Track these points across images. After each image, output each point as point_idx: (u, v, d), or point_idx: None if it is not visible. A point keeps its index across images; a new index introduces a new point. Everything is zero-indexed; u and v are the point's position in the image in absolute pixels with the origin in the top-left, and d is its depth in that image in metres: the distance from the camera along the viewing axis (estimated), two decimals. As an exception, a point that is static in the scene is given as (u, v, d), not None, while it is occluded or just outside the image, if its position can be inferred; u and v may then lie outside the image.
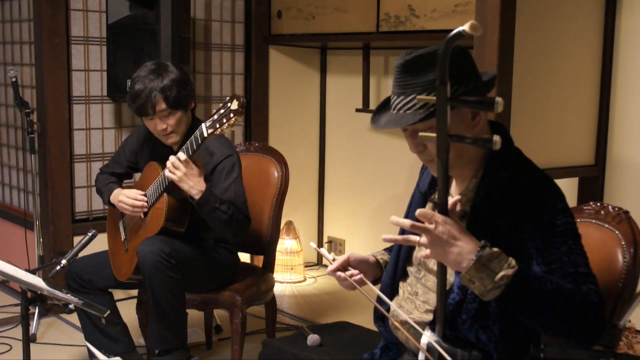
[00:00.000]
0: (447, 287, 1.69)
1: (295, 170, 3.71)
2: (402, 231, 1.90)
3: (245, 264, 3.36)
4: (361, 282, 1.86)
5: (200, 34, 4.52)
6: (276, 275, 4.03)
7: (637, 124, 3.37)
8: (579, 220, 2.02)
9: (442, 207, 1.53)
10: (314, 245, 2.00)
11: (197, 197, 2.73)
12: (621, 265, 1.87)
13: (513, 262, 1.50)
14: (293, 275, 4.69)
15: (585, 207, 2.04)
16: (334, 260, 1.90)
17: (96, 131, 4.18)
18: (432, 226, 1.51)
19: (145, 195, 2.92)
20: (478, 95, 1.67)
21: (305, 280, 4.73)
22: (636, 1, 3.32)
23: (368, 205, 4.76)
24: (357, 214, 4.87)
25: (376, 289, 1.85)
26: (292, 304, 4.29)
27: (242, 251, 3.30)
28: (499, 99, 1.39)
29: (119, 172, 3.15)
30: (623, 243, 1.89)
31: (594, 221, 1.99)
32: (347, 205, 4.95)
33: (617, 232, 1.91)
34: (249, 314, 3.37)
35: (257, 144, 3.51)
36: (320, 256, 5.12)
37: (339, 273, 1.87)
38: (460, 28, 1.33)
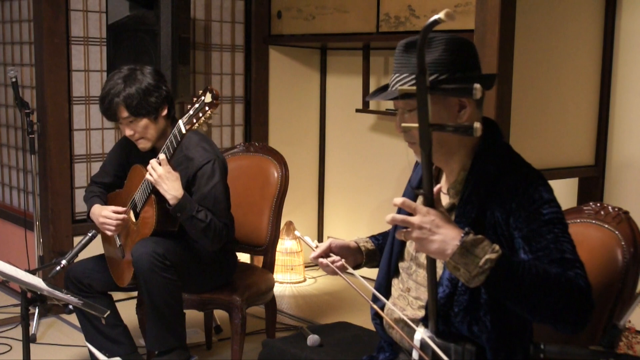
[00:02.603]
0: (437, 281, 1.71)
1: (295, 170, 3.71)
2: (394, 228, 1.91)
3: (245, 264, 3.36)
4: (342, 268, 1.90)
5: (200, 34, 4.52)
6: (276, 276, 4.03)
7: (637, 124, 3.37)
8: (578, 220, 2.02)
9: (427, 198, 1.54)
10: (298, 233, 2.06)
11: (171, 202, 2.72)
12: (621, 265, 1.87)
13: (497, 247, 1.51)
14: (293, 276, 4.69)
15: (585, 208, 2.04)
16: (317, 247, 1.93)
17: (96, 131, 4.19)
18: (414, 218, 1.52)
19: (133, 201, 2.91)
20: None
21: (305, 280, 4.73)
22: (636, 1, 3.32)
23: (368, 205, 4.77)
24: (357, 214, 4.87)
25: (369, 285, 1.85)
26: (292, 304, 4.29)
27: (242, 251, 3.30)
28: (477, 85, 1.41)
29: (107, 182, 3.14)
30: (623, 243, 1.89)
31: (593, 221, 1.99)
32: (347, 205, 4.95)
33: (617, 232, 1.91)
34: (249, 314, 3.37)
35: (257, 144, 3.51)
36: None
37: (320, 260, 1.91)
38: (436, 16, 1.37)
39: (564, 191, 3.61)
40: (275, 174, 3.33)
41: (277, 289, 4.30)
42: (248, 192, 3.31)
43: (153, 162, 2.71)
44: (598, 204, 2.02)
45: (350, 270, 1.91)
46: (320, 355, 2.26)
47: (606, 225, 1.95)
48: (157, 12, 3.71)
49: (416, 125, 1.47)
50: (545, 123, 3.09)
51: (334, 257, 1.92)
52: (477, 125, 1.40)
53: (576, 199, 3.48)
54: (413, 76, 1.68)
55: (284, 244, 4.61)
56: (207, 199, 2.81)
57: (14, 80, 3.72)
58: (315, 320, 3.98)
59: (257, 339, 3.51)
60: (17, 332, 3.67)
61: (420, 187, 1.75)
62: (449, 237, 1.50)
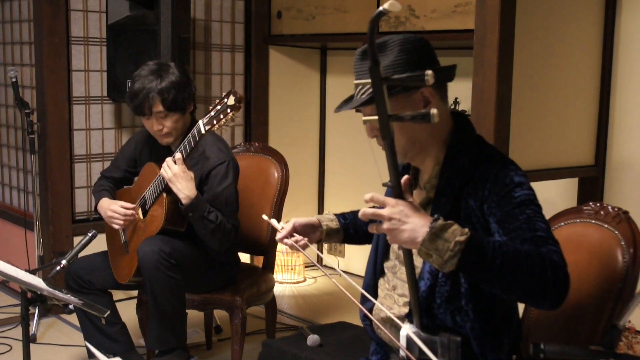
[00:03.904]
0: (418, 275, 1.73)
1: (295, 170, 3.71)
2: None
3: (245, 264, 3.36)
4: (305, 246, 2.01)
5: (200, 34, 4.52)
6: (276, 276, 4.03)
7: (637, 124, 3.36)
8: (578, 220, 2.02)
9: (395, 189, 1.55)
10: (265, 217, 2.16)
11: (184, 201, 2.73)
12: (621, 265, 1.87)
13: (466, 230, 1.52)
14: (293, 276, 4.69)
15: (585, 207, 2.04)
16: (282, 229, 2.03)
17: (96, 131, 4.19)
18: (383, 210, 1.54)
19: (142, 198, 2.92)
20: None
21: (305, 280, 4.73)
22: (636, 1, 3.31)
23: (368, 205, 4.75)
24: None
25: (357, 286, 1.86)
26: (292, 304, 4.29)
27: (242, 251, 3.30)
28: (429, 72, 1.42)
29: (117, 177, 3.15)
30: (623, 243, 1.89)
31: (593, 221, 1.99)
32: (347, 205, 4.91)
33: (616, 232, 1.91)
34: (249, 314, 3.37)
35: (257, 145, 3.51)
36: (320, 256, 5.12)
37: (285, 240, 2.01)
38: (381, 8, 1.37)
39: (564, 191, 3.61)
40: (275, 174, 3.33)
41: (277, 289, 4.30)
42: (248, 192, 3.31)
43: (169, 160, 2.73)
44: (598, 204, 2.02)
45: (311, 247, 2.01)
46: (320, 355, 2.26)
47: (606, 225, 1.95)
48: (157, 12, 3.71)
49: (376, 117, 1.49)
50: (545, 123, 3.09)
51: (297, 237, 2.01)
52: (433, 111, 1.42)
53: (576, 199, 3.48)
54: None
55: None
56: (218, 200, 2.82)
57: (14, 80, 3.72)
58: (315, 320, 3.98)
59: (257, 339, 3.51)
60: (17, 332, 3.67)
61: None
62: (418, 225, 1.52)
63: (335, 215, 2.17)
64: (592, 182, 3.41)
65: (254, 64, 4.74)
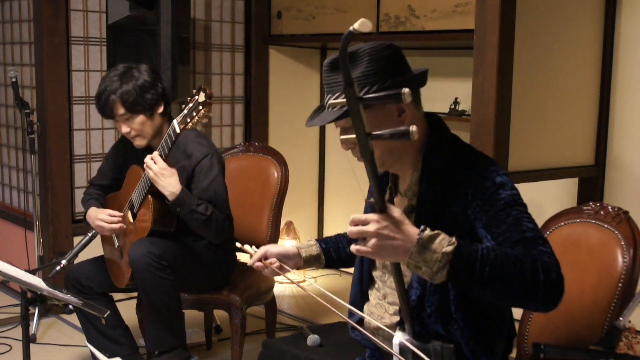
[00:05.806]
0: (408, 284, 1.72)
1: (295, 170, 3.71)
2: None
3: (245, 264, 3.35)
4: (280, 268, 1.99)
5: (200, 34, 4.52)
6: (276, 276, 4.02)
7: (637, 124, 3.37)
8: (578, 220, 2.02)
9: (378, 204, 1.53)
10: (239, 244, 2.14)
11: (169, 198, 2.72)
12: (621, 266, 1.88)
13: (453, 239, 1.49)
14: (293, 276, 4.68)
15: (585, 208, 2.04)
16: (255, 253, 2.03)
17: (96, 131, 4.19)
18: (369, 227, 1.51)
19: (130, 201, 2.91)
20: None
21: (305, 280, 4.72)
22: (636, 1, 3.31)
23: (368, 205, 4.76)
24: (357, 214, 4.86)
25: (343, 301, 1.85)
26: (292, 304, 4.29)
27: (241, 251, 3.30)
28: (405, 90, 1.39)
29: (105, 184, 3.15)
30: (623, 243, 1.89)
31: (593, 221, 1.99)
32: (347, 205, 4.95)
33: (616, 232, 1.92)
34: (249, 314, 3.37)
35: (257, 144, 3.51)
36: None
37: (257, 264, 1.99)
38: (351, 27, 1.35)
39: (564, 191, 3.61)
40: (275, 174, 3.33)
41: (277, 289, 4.30)
42: (248, 192, 3.31)
43: (147, 160, 2.72)
44: (598, 204, 2.02)
45: (286, 268, 2.00)
46: (320, 355, 2.26)
47: (606, 225, 1.95)
48: (157, 12, 3.71)
49: (353, 136, 1.46)
50: (545, 123, 3.09)
51: (271, 260, 1.99)
52: (413, 129, 1.39)
53: (576, 199, 3.48)
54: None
55: (284, 244, 4.61)
56: (207, 192, 2.82)
57: (14, 80, 3.72)
58: (315, 320, 3.98)
59: (257, 339, 3.51)
60: (17, 332, 3.67)
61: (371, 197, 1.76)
62: (406, 238, 1.49)
63: (316, 240, 2.13)
64: (592, 182, 3.41)
65: (254, 64, 4.74)
